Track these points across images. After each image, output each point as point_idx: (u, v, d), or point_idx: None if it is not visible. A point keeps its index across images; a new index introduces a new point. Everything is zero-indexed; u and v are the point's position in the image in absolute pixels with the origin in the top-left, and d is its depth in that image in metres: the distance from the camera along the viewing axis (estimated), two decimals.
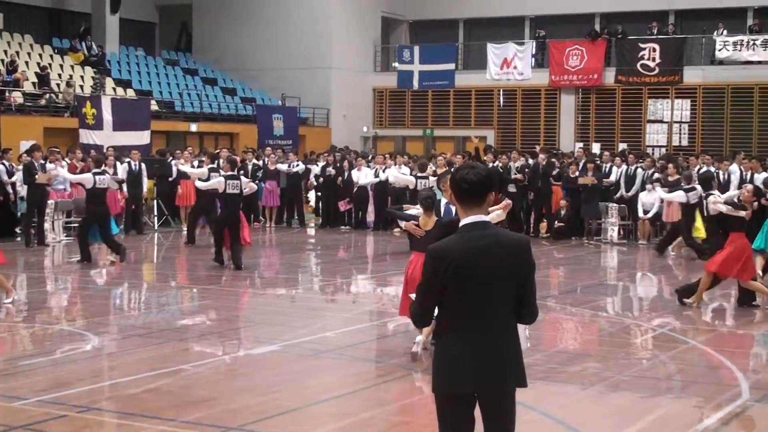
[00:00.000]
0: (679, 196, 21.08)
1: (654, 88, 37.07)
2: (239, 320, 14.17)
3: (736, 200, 14.64)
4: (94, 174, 19.70)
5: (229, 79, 41.42)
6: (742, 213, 14.33)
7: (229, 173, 19.51)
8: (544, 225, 26.60)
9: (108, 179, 20.23)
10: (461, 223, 5.34)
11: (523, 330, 12.04)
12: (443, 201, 11.68)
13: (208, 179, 20.55)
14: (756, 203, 14.90)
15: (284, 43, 40.47)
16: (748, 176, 23.83)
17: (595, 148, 34.84)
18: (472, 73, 40.70)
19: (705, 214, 14.78)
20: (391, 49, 43.41)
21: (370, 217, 28.26)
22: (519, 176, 26.22)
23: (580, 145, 35.85)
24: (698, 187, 22.43)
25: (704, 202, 14.85)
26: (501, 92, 39.80)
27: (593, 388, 10.03)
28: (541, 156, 27.66)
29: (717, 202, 14.38)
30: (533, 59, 39.68)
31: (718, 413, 9.02)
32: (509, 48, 39.70)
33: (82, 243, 19.85)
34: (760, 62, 35.38)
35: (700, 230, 22.46)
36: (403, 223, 11.70)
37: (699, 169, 24.74)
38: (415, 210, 11.78)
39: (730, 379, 10.54)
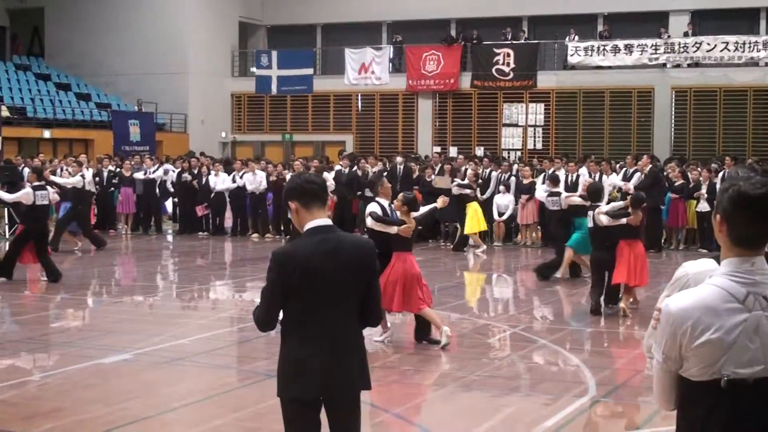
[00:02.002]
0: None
1: (509, 92, 37.71)
2: (92, 329, 13.92)
3: (617, 209, 14.67)
4: None
5: (83, 85, 40.66)
6: (624, 220, 14.39)
7: (36, 183, 18.17)
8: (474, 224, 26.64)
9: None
10: (305, 228, 5.35)
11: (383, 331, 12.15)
12: (385, 204, 12.50)
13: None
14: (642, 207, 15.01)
15: (140, 48, 39.91)
16: (597, 178, 24.29)
17: (453, 152, 35.28)
18: (330, 78, 40.77)
19: (591, 226, 14.87)
20: (248, 54, 43.21)
21: (228, 222, 28.10)
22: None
23: (438, 149, 36.29)
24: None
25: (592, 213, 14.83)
26: (359, 97, 39.98)
27: (445, 389, 10.16)
28: (399, 159, 27.92)
29: (600, 213, 14.43)
30: (390, 64, 39.96)
31: (565, 410, 9.23)
32: (367, 53, 39.91)
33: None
34: (610, 67, 36.25)
35: (473, 225, 23.70)
36: (394, 228, 12.09)
37: (554, 171, 25.18)
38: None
39: (579, 377, 10.80)
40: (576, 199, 18.20)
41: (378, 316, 5.55)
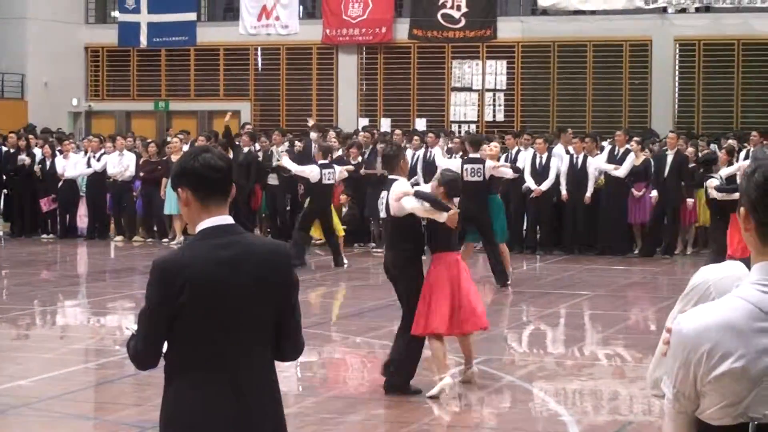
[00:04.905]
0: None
1: (460, 45, 37.72)
2: None
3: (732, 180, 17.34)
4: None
5: None
6: (736, 195, 15.68)
7: None
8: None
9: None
10: (198, 228, 5.31)
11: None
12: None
13: None
14: None
15: None
16: (580, 160, 24.48)
17: (385, 125, 35.30)
18: (219, 25, 40.58)
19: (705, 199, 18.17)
20: None
21: (82, 221, 27.84)
22: (281, 163, 26.17)
23: (365, 122, 36.27)
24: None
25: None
26: (259, 51, 39.88)
27: None
28: (313, 135, 27.81)
29: (711, 186, 17.15)
30: (301, 8, 39.91)
31: None
32: None
33: None
34: (594, 12, 36.40)
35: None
36: (444, 215, 11.64)
37: (517, 152, 25.29)
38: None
39: (557, 425, 10.91)
40: (506, 171, 19.53)
41: (299, 346, 5.49)
